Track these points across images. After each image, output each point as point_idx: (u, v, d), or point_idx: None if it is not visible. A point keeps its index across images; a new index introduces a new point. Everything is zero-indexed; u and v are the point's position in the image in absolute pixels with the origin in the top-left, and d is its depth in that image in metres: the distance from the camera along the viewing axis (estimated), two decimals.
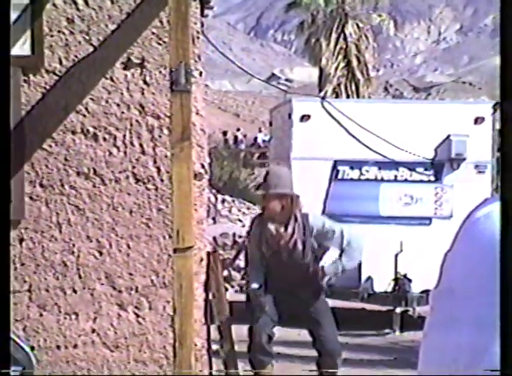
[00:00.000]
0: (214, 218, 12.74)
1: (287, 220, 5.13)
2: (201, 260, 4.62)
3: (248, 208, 15.34)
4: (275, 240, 5.18)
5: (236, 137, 25.19)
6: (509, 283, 1.12)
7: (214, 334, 4.84)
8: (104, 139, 4.46)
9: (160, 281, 4.44)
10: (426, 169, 8.42)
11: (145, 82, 4.50)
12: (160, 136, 4.49)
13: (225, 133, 25.01)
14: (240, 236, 11.40)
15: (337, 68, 19.85)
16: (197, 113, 4.60)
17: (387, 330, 7.83)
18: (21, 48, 4.42)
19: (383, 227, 8.22)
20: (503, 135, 1.08)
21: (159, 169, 4.51)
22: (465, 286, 1.17)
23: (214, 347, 4.90)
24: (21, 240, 4.43)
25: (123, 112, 4.48)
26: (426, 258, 7.25)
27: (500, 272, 1.13)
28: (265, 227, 5.21)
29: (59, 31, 4.43)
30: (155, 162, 4.51)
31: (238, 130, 26.92)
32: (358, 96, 19.90)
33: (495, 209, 1.14)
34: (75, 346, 4.37)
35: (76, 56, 4.47)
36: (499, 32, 1.11)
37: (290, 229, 5.11)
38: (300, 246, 5.13)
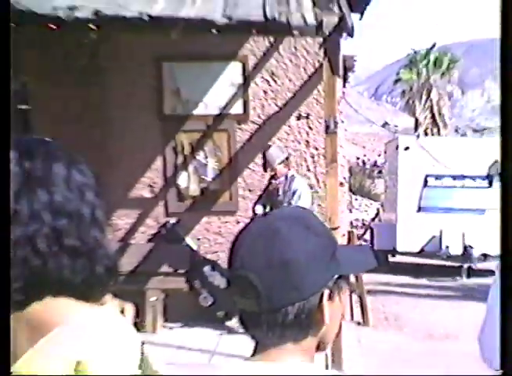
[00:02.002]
0: (350, 210, 16.39)
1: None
2: (343, 235, 7.21)
3: (371, 203, 21.46)
4: (272, 190, 6.67)
5: (363, 160, 30.77)
6: (509, 284, 1.23)
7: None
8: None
9: None
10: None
11: (309, 127, 7.07)
12: (318, 160, 7.05)
13: (357, 158, 30.29)
14: (366, 220, 16.44)
15: (425, 118, 28.98)
16: (340, 146, 7.09)
17: (458, 278, 10.88)
18: (236, 108, 7.07)
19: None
20: (504, 138, 1.26)
21: (318, 180, 7.11)
22: None
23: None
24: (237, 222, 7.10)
25: (295, 146, 7.10)
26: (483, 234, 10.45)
27: (500, 273, 1.28)
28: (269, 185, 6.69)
29: (259, 99, 7.07)
30: (315, 176, 7.11)
31: (365, 156, 32.51)
32: (439, 135, 27.47)
33: None
34: None
35: (268, 112, 7.05)
36: (500, 32, 1.19)
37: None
38: (281, 192, 6.53)
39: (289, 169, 6.55)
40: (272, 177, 6.59)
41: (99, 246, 1.30)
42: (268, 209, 6.71)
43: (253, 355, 1.31)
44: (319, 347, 1.32)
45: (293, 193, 6.42)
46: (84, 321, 1.21)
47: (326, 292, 1.26)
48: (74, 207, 1.29)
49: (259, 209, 6.74)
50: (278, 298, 1.24)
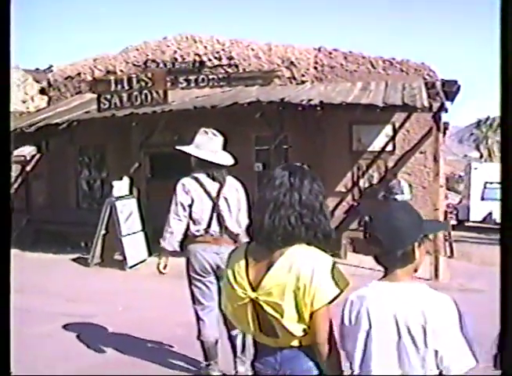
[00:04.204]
0: (446, 197, 23.18)
1: None
2: (443, 212, 13.86)
3: (457, 196, 29.00)
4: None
5: (454, 173, 39.20)
6: (509, 284, 1.34)
7: None
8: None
9: None
10: None
11: (425, 158, 14.02)
12: (429, 173, 13.80)
13: (451, 172, 39.23)
14: (454, 204, 22.74)
15: (485, 153, 54.63)
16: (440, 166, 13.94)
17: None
18: (389, 147, 14.16)
19: None
20: (504, 137, 1.52)
21: (429, 183, 13.86)
22: None
23: None
24: None
25: (419, 167, 14.09)
26: None
27: (500, 272, 1.38)
28: None
29: (401, 143, 14.20)
30: (428, 182, 13.90)
31: (453, 172, 41.07)
32: (491, 162, 43.74)
33: None
34: None
35: (405, 150, 14.10)
36: (499, 34, 1.38)
37: None
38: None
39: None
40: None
41: (321, 223, 2.29)
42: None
43: (383, 276, 2.27)
44: (415, 270, 2.26)
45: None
46: (306, 248, 2.31)
47: (416, 243, 2.19)
48: (311, 203, 2.29)
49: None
50: (394, 246, 2.17)
